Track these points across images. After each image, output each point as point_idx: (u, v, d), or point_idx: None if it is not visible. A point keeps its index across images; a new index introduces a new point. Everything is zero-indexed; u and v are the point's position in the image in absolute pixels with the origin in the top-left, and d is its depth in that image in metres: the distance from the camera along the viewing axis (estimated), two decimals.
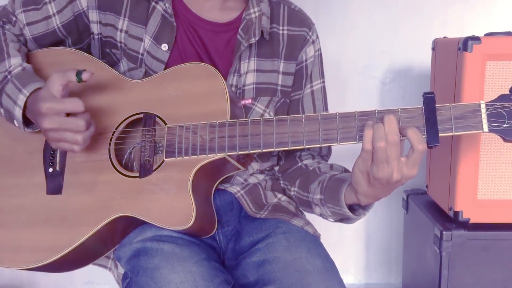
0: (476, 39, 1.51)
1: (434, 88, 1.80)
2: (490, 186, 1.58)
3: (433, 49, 1.81)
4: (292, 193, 1.30)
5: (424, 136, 1.00)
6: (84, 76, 1.07)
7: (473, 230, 1.60)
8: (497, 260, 1.61)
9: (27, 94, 1.09)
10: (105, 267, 1.29)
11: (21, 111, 1.11)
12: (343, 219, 1.18)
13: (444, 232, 1.60)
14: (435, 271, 1.66)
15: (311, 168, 1.28)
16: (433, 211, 1.75)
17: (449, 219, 1.64)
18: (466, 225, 1.60)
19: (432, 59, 1.83)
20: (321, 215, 1.23)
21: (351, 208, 1.14)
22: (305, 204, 1.26)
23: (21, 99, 1.10)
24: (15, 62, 1.15)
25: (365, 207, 1.13)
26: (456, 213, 1.59)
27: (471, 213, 1.59)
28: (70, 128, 1.06)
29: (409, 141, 0.99)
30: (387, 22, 2.08)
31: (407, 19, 2.08)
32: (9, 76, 1.13)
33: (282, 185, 1.35)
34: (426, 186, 1.89)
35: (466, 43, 1.51)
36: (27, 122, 1.14)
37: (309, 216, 1.34)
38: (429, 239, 1.69)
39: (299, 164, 1.32)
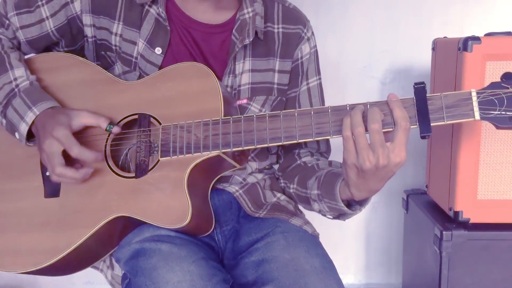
0: (476, 39, 1.51)
1: (434, 88, 1.80)
2: (490, 186, 1.58)
3: (433, 49, 1.81)
4: (291, 191, 1.30)
5: (416, 126, 1.00)
6: (114, 129, 1.14)
7: (473, 230, 1.60)
8: (497, 260, 1.60)
9: (37, 113, 1.12)
10: (97, 268, 1.29)
11: (27, 128, 1.13)
12: (340, 215, 1.18)
13: (444, 232, 1.60)
14: (435, 271, 1.65)
15: (309, 165, 1.28)
16: (433, 211, 1.75)
17: (449, 219, 1.64)
18: (466, 225, 1.60)
19: (432, 59, 1.82)
20: (320, 211, 1.22)
21: (348, 204, 1.14)
22: (304, 201, 1.26)
23: (30, 117, 1.12)
24: (20, 74, 1.16)
25: (361, 203, 1.13)
26: (456, 213, 1.59)
27: (471, 213, 1.58)
28: (50, 163, 1.10)
29: (394, 119, 0.99)
30: (387, 22, 2.08)
31: (407, 19, 2.08)
32: (16, 90, 1.15)
33: (282, 183, 1.35)
34: (426, 186, 1.89)
35: (466, 43, 1.51)
36: (28, 136, 1.15)
37: (308, 215, 1.34)
38: (429, 239, 1.69)
39: (298, 161, 1.32)
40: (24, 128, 1.13)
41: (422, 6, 2.07)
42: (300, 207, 1.36)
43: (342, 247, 2.25)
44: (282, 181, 1.35)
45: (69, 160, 1.12)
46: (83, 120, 1.13)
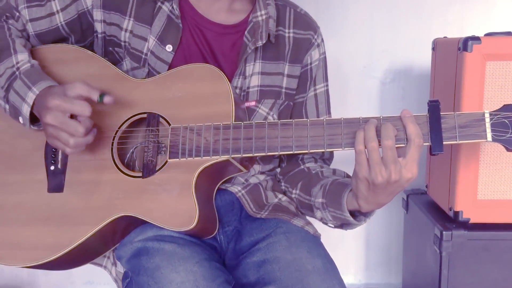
0: (476, 39, 1.51)
1: (434, 88, 1.80)
2: (490, 186, 1.58)
3: (433, 49, 1.81)
4: (293, 196, 1.30)
5: (428, 144, 1.00)
6: (106, 99, 1.09)
7: (473, 230, 1.60)
8: (497, 260, 1.61)
9: (37, 92, 1.10)
10: (101, 265, 1.29)
11: (29, 109, 1.11)
12: (343, 225, 1.19)
13: (444, 232, 1.60)
14: (435, 271, 1.66)
15: (313, 172, 1.28)
16: (433, 211, 1.75)
17: (449, 219, 1.64)
18: (466, 225, 1.60)
19: (432, 59, 1.83)
20: (321, 219, 1.23)
21: (352, 214, 1.14)
22: (306, 208, 1.26)
23: (30, 97, 1.10)
24: (23, 58, 1.15)
25: (366, 214, 1.13)
26: (456, 213, 1.59)
27: (471, 213, 1.59)
28: (68, 130, 1.06)
29: (407, 135, 0.99)
30: (387, 22, 2.08)
31: (407, 19, 2.08)
32: (17, 73, 1.13)
33: (283, 187, 1.35)
34: (426, 186, 1.89)
35: (466, 43, 1.51)
36: (32, 119, 1.14)
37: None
38: (429, 239, 1.69)
39: (301, 167, 1.32)
40: (26, 110, 1.11)
41: (422, 6, 2.07)
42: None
43: (342, 247, 2.25)
44: (283, 184, 1.35)
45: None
46: (77, 90, 1.08)
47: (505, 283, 1.61)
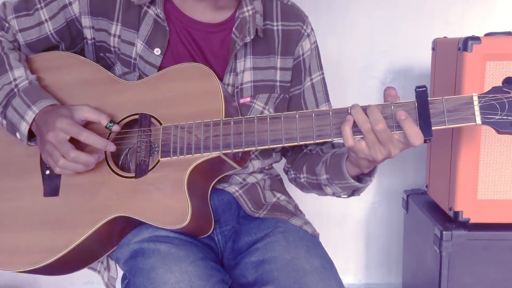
0: (476, 39, 1.51)
1: (434, 88, 1.80)
2: (490, 186, 1.58)
3: (433, 49, 1.81)
4: (302, 180, 1.30)
5: None
6: (114, 128, 1.14)
7: (473, 230, 1.60)
8: (497, 260, 1.61)
9: (37, 111, 1.12)
10: (95, 270, 1.29)
11: (28, 127, 1.13)
12: (354, 191, 1.19)
13: (444, 232, 1.60)
14: (435, 271, 1.66)
15: (314, 152, 1.29)
16: (433, 211, 1.75)
17: (449, 219, 1.64)
18: (466, 225, 1.60)
19: (432, 59, 1.82)
20: (333, 194, 1.23)
21: (358, 177, 1.15)
22: (317, 188, 1.27)
23: (30, 115, 1.12)
24: (20, 74, 1.17)
25: (370, 173, 1.14)
26: (456, 213, 1.59)
27: (471, 213, 1.59)
28: (61, 150, 1.09)
29: (406, 135, 0.99)
30: (387, 22, 2.08)
31: (407, 19, 2.08)
32: (15, 90, 1.15)
33: (292, 175, 1.35)
34: (426, 186, 1.89)
35: (466, 43, 1.51)
36: (29, 135, 1.15)
37: (308, 215, 1.35)
38: (429, 239, 1.69)
39: (305, 150, 1.33)
40: (24, 127, 1.13)
41: (422, 6, 2.07)
42: (312, 194, 1.34)
43: (342, 247, 2.25)
44: (292, 172, 1.35)
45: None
46: (85, 114, 1.13)
47: (505, 283, 1.61)
